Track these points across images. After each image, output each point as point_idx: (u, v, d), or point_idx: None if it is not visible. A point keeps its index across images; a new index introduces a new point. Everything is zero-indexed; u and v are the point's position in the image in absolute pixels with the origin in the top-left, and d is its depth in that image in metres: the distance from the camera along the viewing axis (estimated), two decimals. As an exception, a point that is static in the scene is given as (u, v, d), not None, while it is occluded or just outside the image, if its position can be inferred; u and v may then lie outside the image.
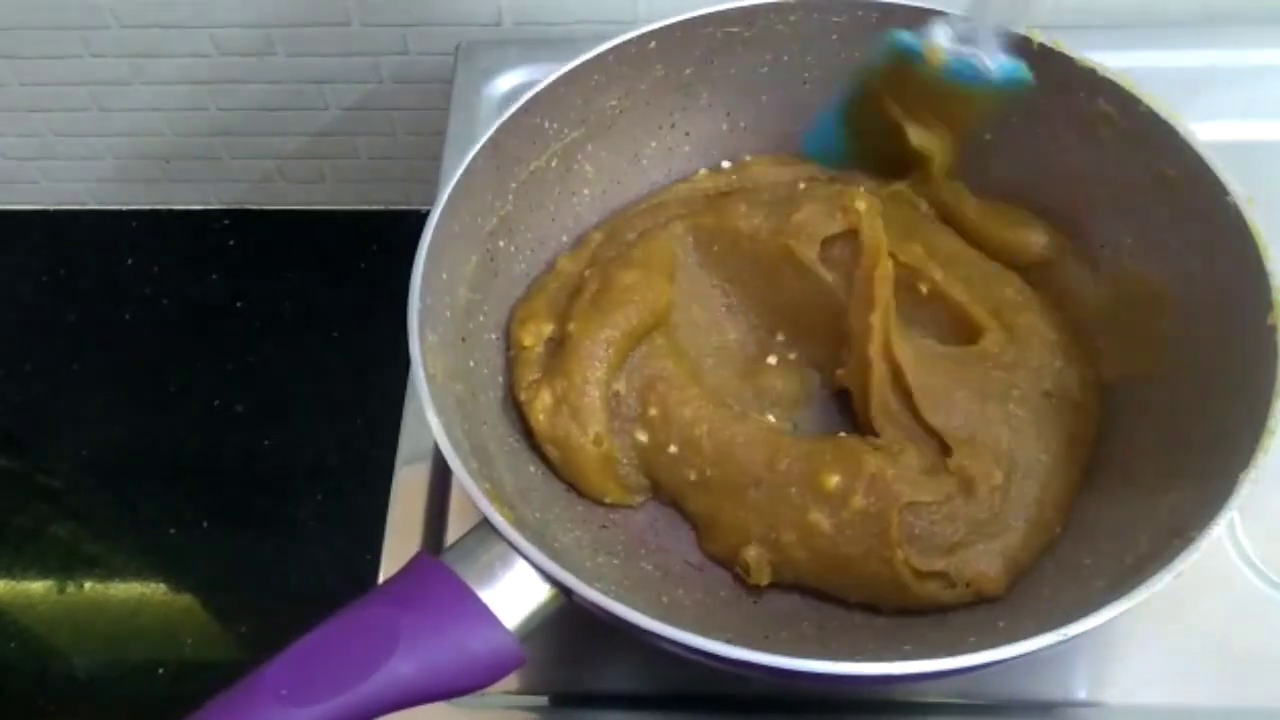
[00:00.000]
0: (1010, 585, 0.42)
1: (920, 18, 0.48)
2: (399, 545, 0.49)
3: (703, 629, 0.34)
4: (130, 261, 0.94)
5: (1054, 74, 0.45)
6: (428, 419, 0.39)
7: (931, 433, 0.44)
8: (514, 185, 0.48)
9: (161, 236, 0.95)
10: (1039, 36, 0.46)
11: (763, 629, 0.43)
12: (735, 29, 0.49)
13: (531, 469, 0.46)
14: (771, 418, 0.48)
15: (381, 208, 0.94)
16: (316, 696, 0.32)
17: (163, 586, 0.81)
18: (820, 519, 0.42)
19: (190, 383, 0.89)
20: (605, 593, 0.35)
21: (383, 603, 0.35)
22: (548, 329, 0.47)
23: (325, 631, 0.34)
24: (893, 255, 0.47)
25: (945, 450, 0.44)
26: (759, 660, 0.34)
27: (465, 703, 0.45)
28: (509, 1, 0.70)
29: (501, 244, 0.49)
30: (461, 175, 0.44)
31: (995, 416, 0.44)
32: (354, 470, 0.84)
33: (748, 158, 0.54)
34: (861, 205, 0.48)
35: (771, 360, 0.50)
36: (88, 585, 0.81)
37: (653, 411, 0.46)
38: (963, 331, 0.47)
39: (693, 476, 0.45)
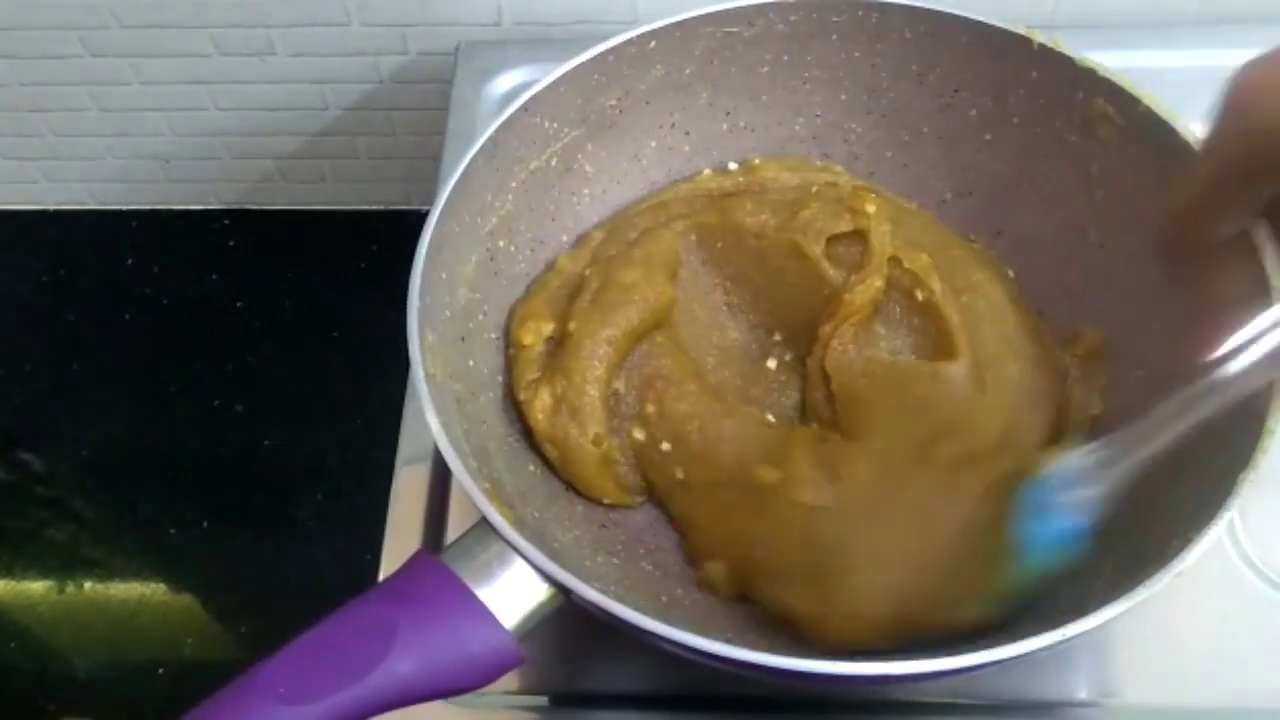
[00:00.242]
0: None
1: (920, 19, 0.48)
2: (399, 545, 0.49)
3: (703, 629, 0.34)
4: (130, 261, 0.94)
5: (1054, 74, 0.45)
6: (427, 419, 0.38)
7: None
8: (514, 185, 0.48)
9: (161, 236, 0.95)
10: (1039, 36, 0.46)
11: (763, 629, 0.43)
12: (735, 29, 0.49)
13: (531, 468, 0.46)
14: (771, 417, 0.48)
15: (381, 208, 0.93)
16: (314, 695, 0.32)
17: (163, 586, 0.81)
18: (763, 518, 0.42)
19: (190, 383, 0.89)
20: (604, 592, 0.35)
21: (380, 601, 0.35)
22: (547, 328, 0.47)
23: (323, 630, 0.34)
24: (897, 260, 0.47)
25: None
26: (759, 660, 0.34)
27: (465, 702, 0.45)
28: (509, 1, 0.70)
29: (501, 244, 0.49)
30: (461, 175, 0.44)
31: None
32: (354, 470, 0.83)
33: (756, 160, 0.54)
34: (871, 208, 0.48)
35: (771, 364, 0.50)
36: (88, 585, 0.81)
37: (650, 408, 0.46)
38: (940, 352, 0.47)
39: (680, 474, 0.45)
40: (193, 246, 0.95)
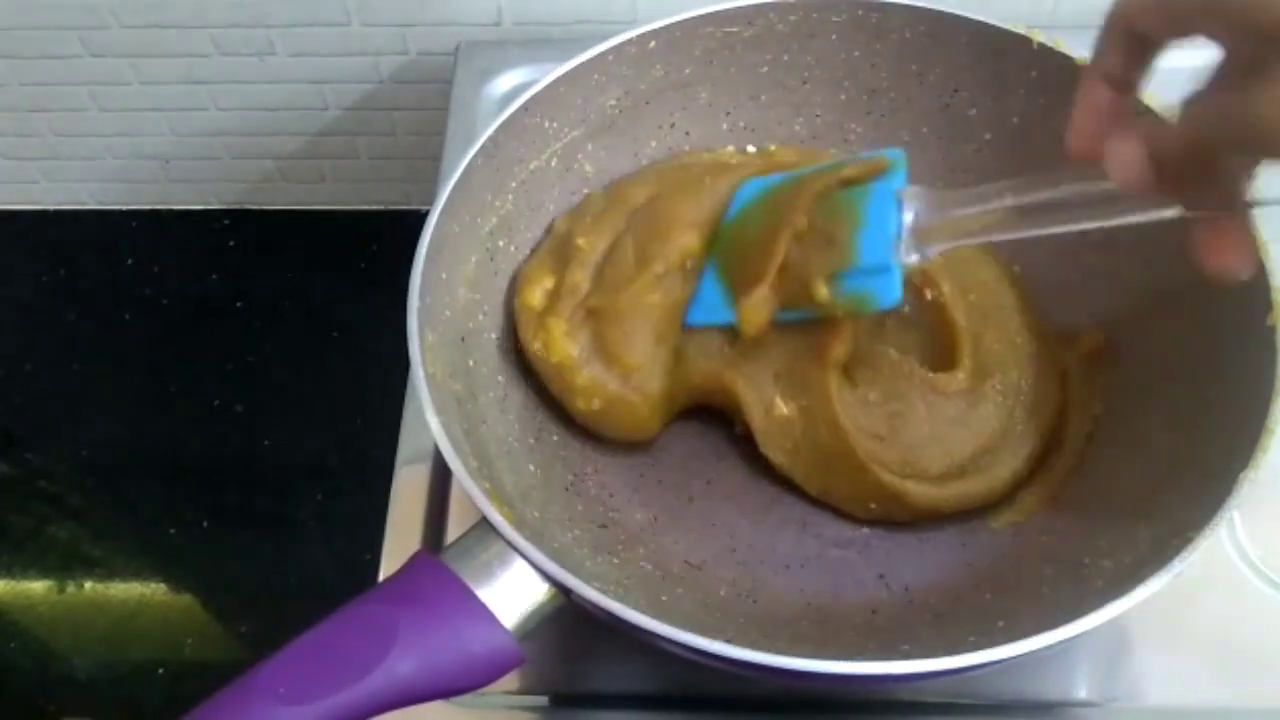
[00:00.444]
0: None
1: (920, 19, 0.48)
2: (399, 545, 0.49)
3: (702, 629, 0.34)
4: (130, 261, 0.94)
5: (1054, 74, 0.45)
6: (427, 419, 0.39)
7: None
8: (514, 185, 0.48)
9: (161, 236, 0.95)
10: (1039, 36, 0.46)
11: (762, 629, 0.43)
12: (735, 29, 0.49)
13: (531, 468, 0.46)
14: None
15: (381, 208, 0.93)
16: (314, 695, 0.32)
17: (163, 586, 0.81)
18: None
19: (190, 383, 0.89)
20: (604, 592, 0.35)
21: (381, 601, 0.35)
22: (550, 283, 0.48)
23: (323, 630, 0.34)
24: None
25: None
26: (759, 660, 0.34)
27: (465, 702, 0.45)
28: (509, 1, 0.70)
29: (501, 244, 0.49)
30: (461, 175, 0.44)
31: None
32: (354, 470, 0.83)
33: (772, 146, 0.54)
34: None
35: None
36: (88, 585, 0.81)
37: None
38: (941, 356, 0.47)
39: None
40: (193, 246, 0.95)
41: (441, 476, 0.51)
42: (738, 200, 0.47)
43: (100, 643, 0.80)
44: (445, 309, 0.44)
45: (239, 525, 0.83)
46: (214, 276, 0.94)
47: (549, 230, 0.51)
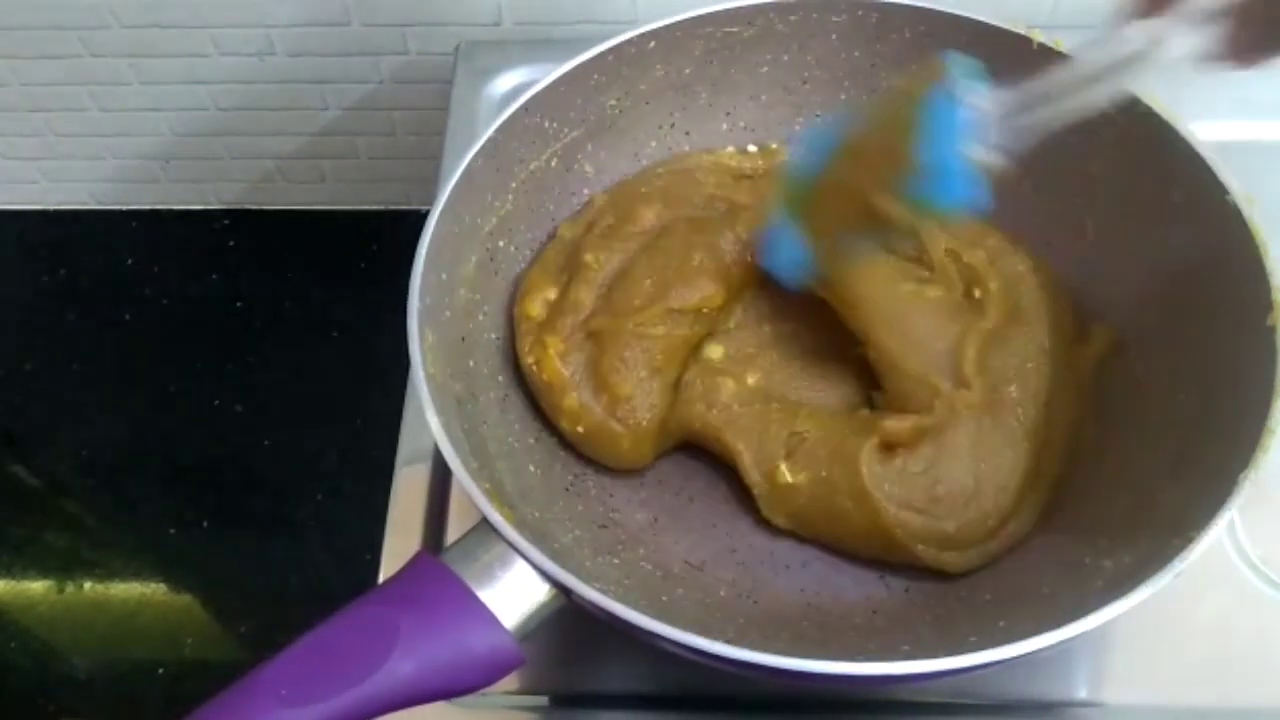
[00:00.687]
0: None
1: (920, 19, 0.48)
2: (399, 545, 0.49)
3: (703, 629, 0.34)
4: (130, 261, 0.94)
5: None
6: (428, 419, 0.39)
7: None
8: (514, 185, 0.48)
9: (161, 236, 0.95)
10: (1039, 36, 0.46)
11: (762, 629, 0.43)
12: (735, 29, 0.49)
13: (531, 468, 0.46)
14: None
15: (381, 208, 0.94)
16: (316, 696, 0.32)
17: (163, 586, 0.81)
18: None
19: (190, 383, 0.89)
20: (605, 593, 0.35)
21: (382, 602, 0.35)
22: (552, 294, 0.48)
23: (324, 631, 0.34)
24: (955, 254, 0.48)
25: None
26: (759, 660, 0.34)
27: (465, 703, 0.45)
28: (509, 1, 0.70)
29: (501, 244, 0.49)
30: (461, 175, 0.44)
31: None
32: (354, 470, 0.84)
33: (774, 145, 0.53)
34: None
35: None
36: (88, 585, 0.81)
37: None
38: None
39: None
40: (193, 246, 0.95)
41: (441, 476, 0.51)
42: (809, 148, 0.45)
43: (100, 643, 0.80)
44: (445, 309, 0.44)
45: (239, 525, 0.84)
46: (214, 276, 0.94)
47: (552, 235, 0.50)
